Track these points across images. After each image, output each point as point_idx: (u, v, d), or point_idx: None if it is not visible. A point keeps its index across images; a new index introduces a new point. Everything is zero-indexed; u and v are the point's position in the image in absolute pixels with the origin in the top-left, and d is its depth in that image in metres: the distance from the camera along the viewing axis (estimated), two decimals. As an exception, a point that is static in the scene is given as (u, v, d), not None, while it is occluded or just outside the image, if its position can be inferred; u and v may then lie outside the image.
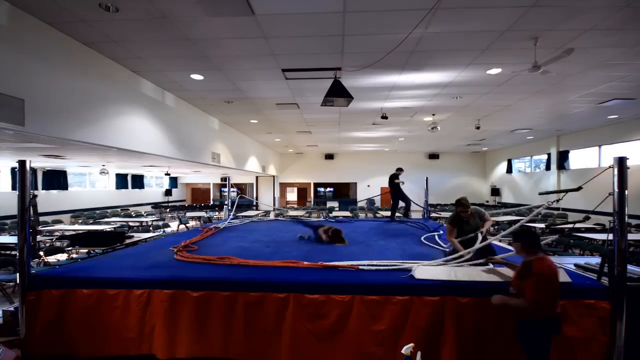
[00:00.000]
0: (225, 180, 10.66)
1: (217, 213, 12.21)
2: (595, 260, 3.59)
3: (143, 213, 13.98)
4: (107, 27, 4.42)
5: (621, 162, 2.73)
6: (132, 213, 13.71)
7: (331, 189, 21.22)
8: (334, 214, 12.37)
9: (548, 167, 13.83)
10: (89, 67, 5.12)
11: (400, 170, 8.34)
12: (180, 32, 4.54)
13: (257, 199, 20.10)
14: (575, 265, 3.55)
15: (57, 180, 12.50)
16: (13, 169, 11.07)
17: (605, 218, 9.08)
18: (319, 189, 21.15)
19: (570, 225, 8.08)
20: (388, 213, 9.54)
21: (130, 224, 10.21)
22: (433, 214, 11.56)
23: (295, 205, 19.94)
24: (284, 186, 21.46)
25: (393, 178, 8.21)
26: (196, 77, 6.39)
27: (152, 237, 6.77)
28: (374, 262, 3.53)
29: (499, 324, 2.81)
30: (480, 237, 3.72)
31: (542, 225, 8.70)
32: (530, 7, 3.89)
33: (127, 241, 5.96)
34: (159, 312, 3.04)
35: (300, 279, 3.13)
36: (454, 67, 5.86)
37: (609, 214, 2.87)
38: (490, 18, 4.17)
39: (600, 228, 8.40)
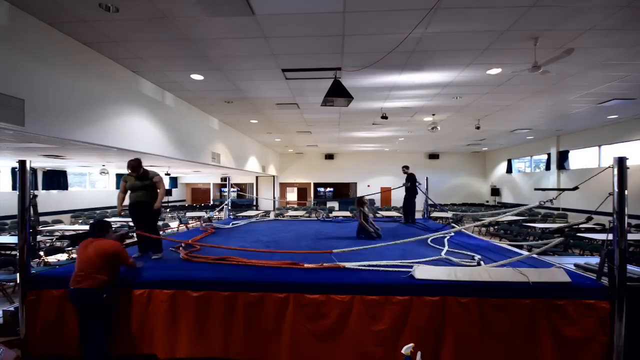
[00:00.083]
0: (225, 180, 10.66)
1: (216, 213, 12.19)
2: (595, 260, 3.59)
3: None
4: (107, 27, 4.42)
5: (621, 162, 2.73)
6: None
7: (331, 189, 21.21)
8: (334, 214, 12.36)
9: (548, 167, 13.83)
10: (89, 67, 5.12)
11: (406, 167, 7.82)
12: (180, 32, 4.54)
13: (256, 199, 20.11)
14: (575, 265, 3.55)
15: (57, 180, 12.51)
16: (13, 169, 11.08)
17: (605, 218, 9.08)
18: (319, 189, 21.14)
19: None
20: (388, 213, 9.52)
21: (130, 224, 10.19)
22: (433, 214, 11.57)
23: (295, 205, 19.94)
24: (284, 186, 21.45)
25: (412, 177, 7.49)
26: (196, 77, 6.39)
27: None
28: (374, 262, 3.53)
29: (499, 323, 2.82)
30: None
31: (542, 225, 8.70)
32: (530, 7, 3.89)
33: (127, 241, 5.96)
34: (159, 312, 3.04)
35: (300, 279, 3.13)
36: (454, 67, 5.86)
37: (609, 214, 2.87)
38: (490, 18, 4.17)
39: (600, 228, 8.40)
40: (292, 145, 16.62)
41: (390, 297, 2.90)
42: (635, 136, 10.02)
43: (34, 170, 11.35)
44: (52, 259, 6.41)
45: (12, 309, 3.33)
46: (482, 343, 2.81)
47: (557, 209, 12.35)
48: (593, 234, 7.31)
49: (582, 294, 2.84)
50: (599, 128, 11.27)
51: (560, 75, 6.09)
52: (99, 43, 4.94)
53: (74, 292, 2.87)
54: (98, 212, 13.34)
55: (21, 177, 3.20)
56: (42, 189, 11.94)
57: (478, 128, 10.36)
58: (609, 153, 11.28)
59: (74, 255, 6.60)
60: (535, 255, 3.96)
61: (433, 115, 9.52)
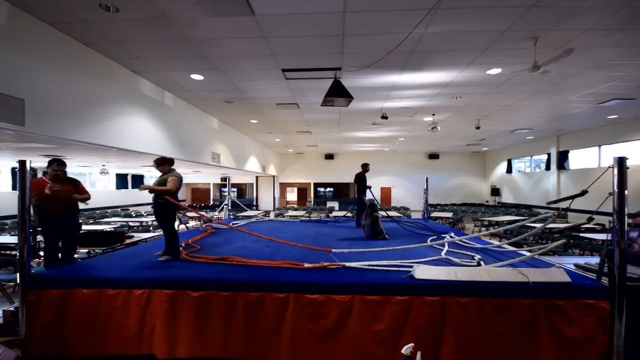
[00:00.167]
0: (225, 180, 10.66)
1: (216, 213, 12.20)
2: (595, 260, 3.58)
3: (143, 213, 13.95)
4: (107, 27, 4.42)
5: (621, 162, 2.73)
6: (132, 213, 13.67)
7: (331, 189, 21.22)
8: (334, 213, 12.36)
9: (548, 167, 13.84)
10: (89, 67, 5.12)
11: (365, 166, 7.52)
12: (180, 32, 4.54)
13: (257, 199, 20.10)
14: (575, 265, 3.54)
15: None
16: (13, 169, 11.08)
17: (605, 218, 9.08)
18: (319, 189, 21.15)
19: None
20: (389, 213, 9.50)
21: (131, 224, 10.18)
22: (433, 214, 11.58)
23: (295, 205, 19.94)
24: (284, 186, 21.46)
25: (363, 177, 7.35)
26: (196, 77, 6.39)
27: (152, 237, 6.76)
28: (374, 262, 3.53)
29: (499, 323, 2.81)
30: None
31: (542, 226, 8.67)
32: (530, 7, 3.90)
33: (127, 241, 5.95)
34: (159, 312, 3.04)
35: (300, 279, 3.13)
36: (454, 67, 5.87)
37: (609, 214, 2.87)
38: (490, 18, 4.18)
39: (600, 228, 8.40)
40: (292, 145, 16.62)
41: (390, 297, 2.90)
42: (635, 136, 10.02)
43: (34, 170, 11.35)
44: (52, 259, 6.39)
45: (12, 309, 3.34)
46: (482, 343, 2.81)
47: (557, 209, 12.35)
48: (593, 234, 7.31)
49: (582, 294, 2.84)
50: (599, 128, 11.27)
51: (560, 75, 6.09)
52: (99, 43, 4.94)
53: None
54: (98, 212, 13.32)
55: (21, 177, 3.19)
56: (42, 189, 11.92)
57: (478, 128, 10.36)
58: (609, 153, 11.28)
59: (74, 255, 6.58)
60: (535, 256, 3.96)
61: (433, 115, 9.52)
